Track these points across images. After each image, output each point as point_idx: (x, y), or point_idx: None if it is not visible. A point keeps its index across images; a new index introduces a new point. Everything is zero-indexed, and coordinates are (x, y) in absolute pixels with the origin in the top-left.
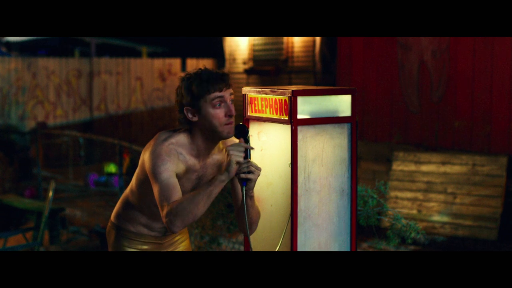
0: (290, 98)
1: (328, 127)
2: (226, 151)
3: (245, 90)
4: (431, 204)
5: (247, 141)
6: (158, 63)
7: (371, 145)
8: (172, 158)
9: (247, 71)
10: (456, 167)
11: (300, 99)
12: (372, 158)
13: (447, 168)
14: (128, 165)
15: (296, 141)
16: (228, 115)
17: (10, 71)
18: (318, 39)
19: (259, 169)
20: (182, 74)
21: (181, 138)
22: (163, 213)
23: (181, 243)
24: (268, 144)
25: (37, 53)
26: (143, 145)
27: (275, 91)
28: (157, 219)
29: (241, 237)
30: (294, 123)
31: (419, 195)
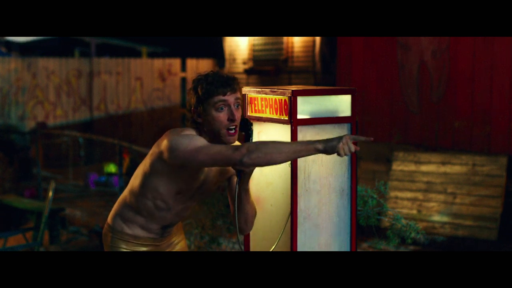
0: (290, 98)
1: (328, 127)
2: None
3: (245, 90)
4: (431, 204)
5: (249, 135)
6: (158, 63)
7: (371, 145)
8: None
9: (247, 71)
10: (456, 167)
11: (300, 99)
12: (372, 158)
13: (447, 168)
14: (128, 165)
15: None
16: (230, 119)
17: (10, 71)
18: (318, 39)
19: None
20: (194, 76)
21: None
22: (242, 148)
23: (178, 244)
24: None
25: (37, 53)
26: (143, 145)
27: (275, 91)
28: (154, 220)
29: (241, 237)
30: (294, 123)
31: (419, 195)
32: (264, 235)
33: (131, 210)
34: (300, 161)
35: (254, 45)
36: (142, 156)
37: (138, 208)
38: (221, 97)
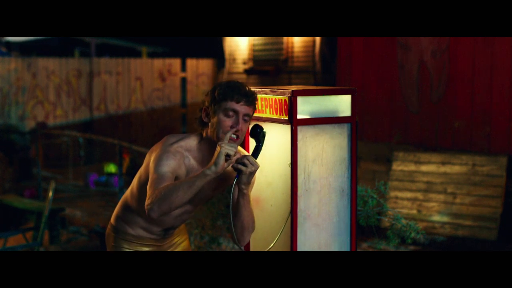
0: (290, 98)
1: (328, 127)
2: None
3: None
4: (431, 204)
5: (260, 141)
6: (158, 63)
7: (371, 145)
8: (178, 158)
9: (247, 71)
10: (456, 167)
11: (300, 99)
12: (372, 158)
13: (447, 168)
14: (128, 165)
15: (296, 141)
16: (233, 126)
17: (10, 71)
18: (318, 39)
19: (254, 164)
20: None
21: (189, 142)
22: (146, 199)
23: (180, 244)
24: (268, 144)
25: (37, 53)
26: (143, 145)
27: (275, 91)
28: (156, 223)
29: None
30: (294, 123)
31: (419, 195)
32: (264, 235)
33: (132, 212)
34: (300, 161)
35: (254, 45)
36: (142, 156)
37: (139, 210)
38: (234, 104)
